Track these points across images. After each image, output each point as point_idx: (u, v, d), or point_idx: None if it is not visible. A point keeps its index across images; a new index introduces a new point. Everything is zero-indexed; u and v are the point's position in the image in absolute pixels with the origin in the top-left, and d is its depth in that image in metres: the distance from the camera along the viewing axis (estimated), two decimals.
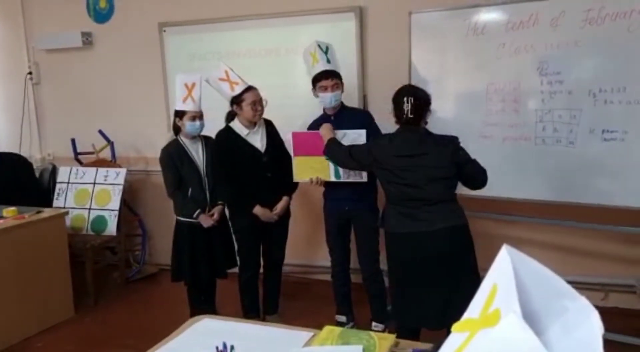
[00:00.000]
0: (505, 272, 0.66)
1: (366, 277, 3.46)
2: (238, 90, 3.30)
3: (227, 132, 3.38)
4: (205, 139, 3.50)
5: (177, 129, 3.46)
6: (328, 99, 3.28)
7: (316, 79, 3.30)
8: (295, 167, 3.33)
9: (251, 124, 3.36)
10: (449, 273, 2.58)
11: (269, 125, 3.47)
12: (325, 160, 3.19)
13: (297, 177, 3.36)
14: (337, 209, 3.41)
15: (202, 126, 3.41)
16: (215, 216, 3.42)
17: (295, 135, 3.33)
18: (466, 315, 0.69)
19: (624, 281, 3.63)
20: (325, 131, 3.17)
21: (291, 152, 3.36)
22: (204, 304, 3.55)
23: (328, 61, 3.32)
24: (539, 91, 3.25)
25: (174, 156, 3.40)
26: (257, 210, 3.36)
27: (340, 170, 3.22)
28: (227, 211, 3.54)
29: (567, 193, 3.26)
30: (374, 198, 3.41)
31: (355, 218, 3.41)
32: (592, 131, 3.14)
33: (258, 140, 3.39)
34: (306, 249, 4.37)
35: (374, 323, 3.51)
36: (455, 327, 0.69)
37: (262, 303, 3.66)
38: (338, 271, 3.54)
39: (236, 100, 3.31)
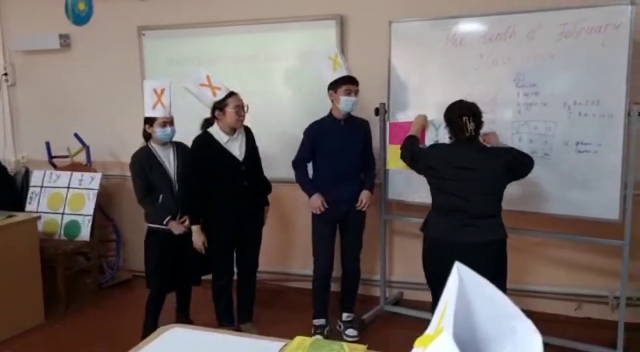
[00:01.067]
0: (453, 291, 0.66)
1: (350, 272, 3.63)
2: (221, 95, 3.28)
3: (205, 139, 3.33)
4: (177, 145, 3.44)
5: (147, 136, 3.40)
6: (352, 103, 3.40)
7: (341, 82, 3.37)
8: (389, 154, 3.47)
9: (231, 131, 3.33)
10: None
11: (248, 132, 3.45)
12: None
13: (389, 165, 3.51)
14: (335, 212, 3.49)
15: (173, 132, 3.36)
16: (187, 223, 3.35)
17: (392, 125, 3.49)
18: (427, 330, 0.69)
19: (596, 292, 3.66)
20: (417, 122, 3.23)
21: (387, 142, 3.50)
22: (177, 313, 3.50)
23: (348, 69, 3.45)
24: (516, 103, 3.29)
25: (143, 162, 3.35)
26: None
27: None
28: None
29: (542, 204, 3.29)
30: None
31: (350, 219, 3.54)
32: (566, 143, 3.18)
33: (237, 148, 3.36)
34: (280, 256, 4.35)
35: (345, 314, 3.66)
36: (416, 342, 0.69)
37: (236, 311, 3.62)
38: (323, 275, 3.58)
39: (219, 106, 3.28)
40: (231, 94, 3.30)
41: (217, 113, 3.30)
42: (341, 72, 3.40)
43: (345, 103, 3.37)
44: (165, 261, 3.37)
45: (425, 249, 2.90)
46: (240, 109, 3.30)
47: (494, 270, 2.68)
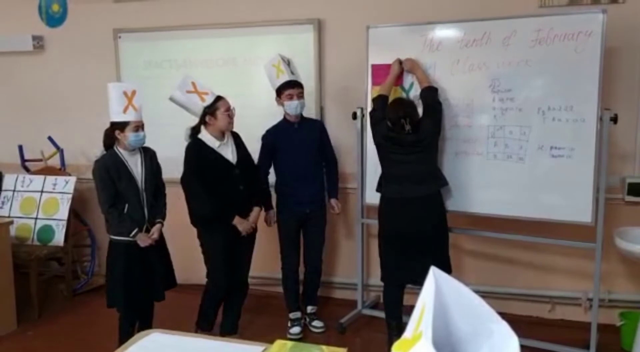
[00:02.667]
0: (430, 295, 0.68)
1: (313, 270, 3.76)
2: (209, 100, 3.25)
3: (199, 145, 3.27)
4: (145, 151, 3.22)
5: (110, 143, 3.15)
6: (294, 106, 3.51)
7: (282, 88, 3.49)
8: (373, 95, 3.54)
9: (221, 136, 3.30)
10: (428, 234, 3.23)
11: (236, 137, 3.42)
12: (397, 90, 3.50)
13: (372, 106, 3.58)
14: (297, 213, 3.59)
15: (145, 137, 3.14)
16: (155, 235, 3.17)
17: (374, 66, 3.60)
18: (404, 334, 0.71)
19: (570, 294, 3.73)
20: (393, 71, 3.46)
21: (369, 84, 3.64)
22: (140, 330, 3.31)
23: (292, 73, 3.53)
24: (491, 107, 3.34)
25: (111, 170, 3.08)
26: (237, 221, 3.29)
27: (411, 99, 3.45)
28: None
29: (517, 207, 3.34)
30: (325, 195, 3.75)
31: (312, 219, 3.65)
32: (540, 148, 3.23)
33: (229, 152, 3.32)
34: (263, 262, 4.32)
35: (309, 307, 3.81)
36: (394, 346, 0.69)
37: (222, 320, 3.55)
38: (292, 272, 3.72)
39: (209, 110, 3.24)
40: (219, 97, 3.28)
41: (208, 118, 3.25)
42: (283, 78, 3.50)
43: (289, 107, 3.52)
44: (132, 275, 3.14)
45: (381, 206, 3.36)
46: (231, 112, 3.28)
47: (438, 214, 3.29)
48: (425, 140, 3.21)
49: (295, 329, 3.69)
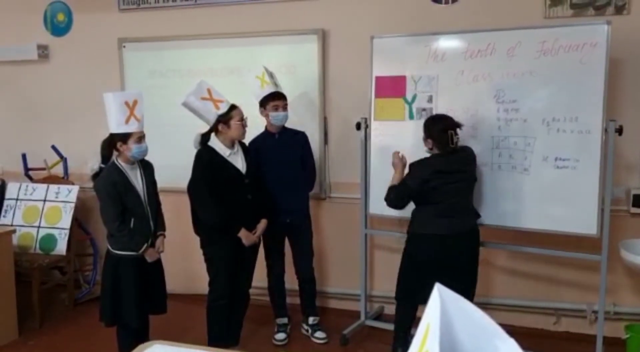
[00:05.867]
0: (435, 313, 0.67)
1: (306, 279, 3.76)
2: (224, 108, 3.23)
3: (210, 152, 3.24)
4: (144, 164, 3.13)
5: (109, 155, 3.05)
6: (281, 117, 3.54)
7: (268, 99, 3.51)
8: (375, 107, 3.60)
9: (232, 145, 3.28)
10: (465, 266, 3.11)
11: (244, 147, 3.40)
12: (401, 102, 3.51)
13: (375, 117, 3.63)
14: (279, 222, 3.57)
15: (147, 148, 3.04)
16: (162, 249, 3.15)
17: (377, 78, 3.60)
18: None
19: (575, 306, 3.70)
20: (397, 170, 3.22)
21: (372, 95, 3.64)
22: (138, 342, 3.23)
23: (276, 85, 3.55)
24: (496, 118, 3.33)
25: (118, 185, 2.96)
26: (242, 234, 3.28)
27: (414, 111, 3.48)
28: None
29: (521, 219, 3.32)
30: (308, 205, 3.76)
31: (296, 229, 3.67)
32: (545, 159, 3.22)
33: (239, 161, 3.31)
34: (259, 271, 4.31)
35: (311, 318, 3.78)
36: None
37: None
38: (278, 278, 3.75)
39: (223, 119, 3.22)
40: (234, 106, 3.26)
41: (221, 127, 3.23)
42: (269, 89, 3.51)
43: (274, 118, 3.53)
44: (139, 290, 3.06)
45: (412, 243, 3.18)
46: (244, 121, 3.28)
47: (476, 253, 3.20)
48: (471, 174, 3.13)
49: (281, 335, 3.72)
